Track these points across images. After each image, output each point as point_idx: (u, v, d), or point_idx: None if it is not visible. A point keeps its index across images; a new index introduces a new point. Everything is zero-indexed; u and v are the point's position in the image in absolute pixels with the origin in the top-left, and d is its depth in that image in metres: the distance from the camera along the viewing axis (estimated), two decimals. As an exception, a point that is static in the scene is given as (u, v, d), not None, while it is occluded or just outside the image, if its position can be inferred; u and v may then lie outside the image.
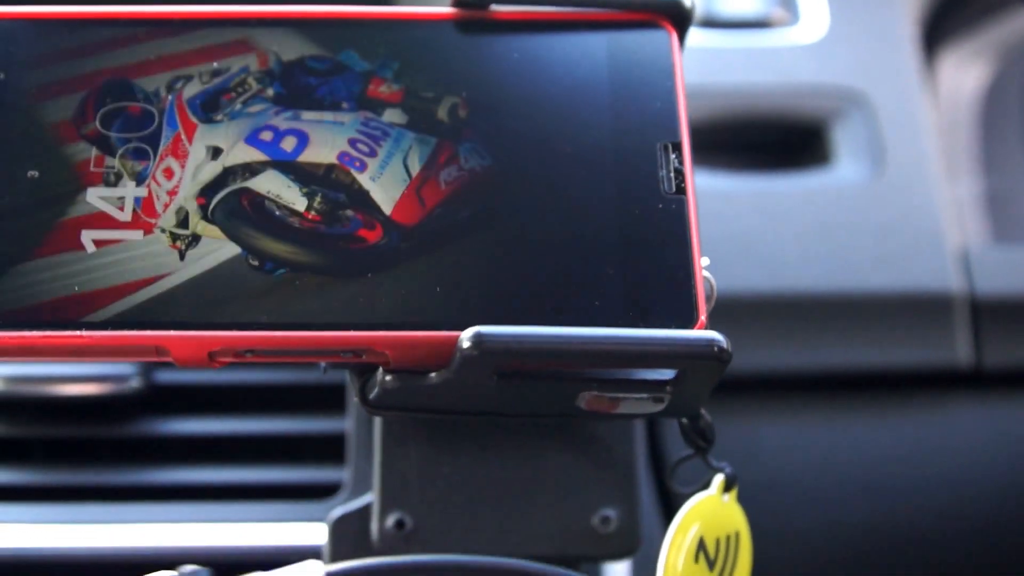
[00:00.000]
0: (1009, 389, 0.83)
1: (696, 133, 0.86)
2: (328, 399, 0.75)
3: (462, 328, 0.48)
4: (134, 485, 0.74)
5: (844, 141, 0.88)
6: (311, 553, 0.69)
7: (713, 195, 0.83)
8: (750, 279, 0.82)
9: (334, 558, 0.62)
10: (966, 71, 1.01)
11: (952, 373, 0.82)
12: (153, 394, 0.74)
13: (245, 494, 0.73)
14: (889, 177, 0.85)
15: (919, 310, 0.82)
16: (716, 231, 0.82)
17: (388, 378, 0.51)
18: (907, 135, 0.87)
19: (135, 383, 0.73)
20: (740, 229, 0.83)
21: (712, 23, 0.92)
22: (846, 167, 0.86)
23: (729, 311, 0.81)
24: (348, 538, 0.62)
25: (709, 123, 0.88)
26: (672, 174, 0.53)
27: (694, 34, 0.90)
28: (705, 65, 0.89)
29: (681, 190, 0.53)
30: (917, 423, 0.83)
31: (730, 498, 0.58)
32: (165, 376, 0.75)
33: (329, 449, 0.74)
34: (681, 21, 0.56)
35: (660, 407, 0.52)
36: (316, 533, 0.71)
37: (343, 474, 0.73)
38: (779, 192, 0.85)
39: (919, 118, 0.88)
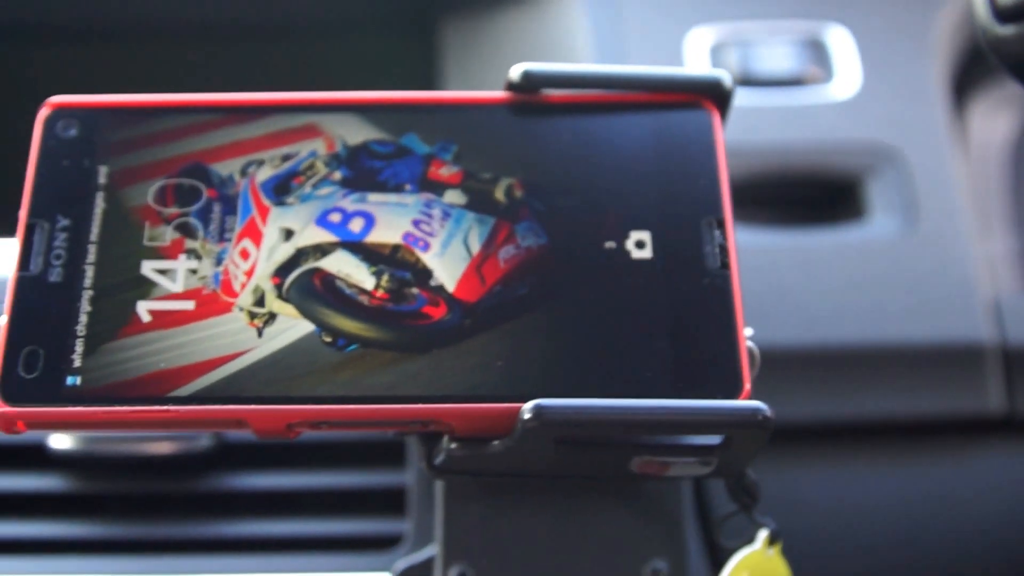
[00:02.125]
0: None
1: (734, 190, 0.90)
2: (389, 454, 0.78)
3: (522, 400, 0.51)
4: (205, 538, 0.76)
5: (878, 196, 0.90)
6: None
7: (751, 250, 0.86)
8: (788, 332, 0.84)
9: None
10: (996, 119, 1.03)
11: (985, 421, 0.85)
12: (222, 451, 0.77)
13: (310, 546, 0.76)
14: (922, 231, 0.88)
15: (952, 360, 0.85)
16: (754, 285, 0.85)
17: (453, 446, 0.55)
18: (939, 189, 0.90)
19: (205, 441, 0.76)
20: (777, 283, 0.85)
21: (748, 82, 0.95)
22: (880, 222, 0.89)
23: (768, 363, 0.84)
24: None
25: (746, 180, 0.91)
26: (717, 250, 0.56)
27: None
28: (742, 123, 0.91)
29: (725, 265, 0.56)
30: (952, 470, 0.85)
31: (774, 552, 0.61)
32: (234, 434, 0.78)
33: (390, 502, 0.77)
34: (722, 100, 0.60)
35: (708, 470, 0.55)
36: (381, 584, 0.74)
37: (404, 526, 0.76)
38: (815, 247, 0.88)
39: (950, 173, 0.91)
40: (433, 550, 0.65)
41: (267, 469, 0.78)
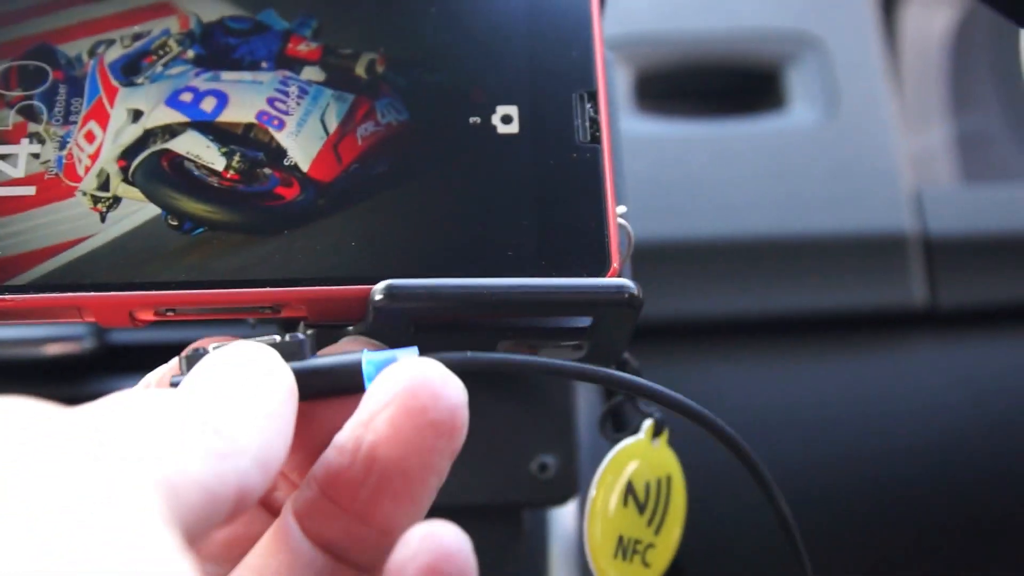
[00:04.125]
0: (964, 327, 0.84)
1: (652, 80, 0.87)
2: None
3: (377, 282, 0.49)
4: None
5: (798, 85, 0.88)
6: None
7: (667, 141, 0.84)
8: (705, 224, 0.82)
9: None
10: (932, 15, 1.01)
11: (908, 313, 0.83)
12: (106, 354, 0.75)
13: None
14: (843, 120, 0.86)
15: (874, 251, 0.83)
16: (670, 176, 0.82)
17: (308, 332, 0.52)
18: (861, 79, 0.88)
19: (88, 343, 0.74)
20: (694, 174, 0.83)
21: (666, -32, 0.92)
22: (800, 111, 0.87)
23: (685, 256, 0.81)
24: None
25: (665, 70, 0.88)
26: (587, 123, 0.53)
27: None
28: (659, 11, 0.89)
29: (596, 139, 0.53)
30: (875, 363, 0.83)
31: (660, 442, 0.58)
32: (119, 336, 0.76)
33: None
34: None
35: (580, 354, 0.53)
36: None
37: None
38: (733, 136, 0.85)
39: (874, 63, 0.88)
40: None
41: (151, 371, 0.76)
